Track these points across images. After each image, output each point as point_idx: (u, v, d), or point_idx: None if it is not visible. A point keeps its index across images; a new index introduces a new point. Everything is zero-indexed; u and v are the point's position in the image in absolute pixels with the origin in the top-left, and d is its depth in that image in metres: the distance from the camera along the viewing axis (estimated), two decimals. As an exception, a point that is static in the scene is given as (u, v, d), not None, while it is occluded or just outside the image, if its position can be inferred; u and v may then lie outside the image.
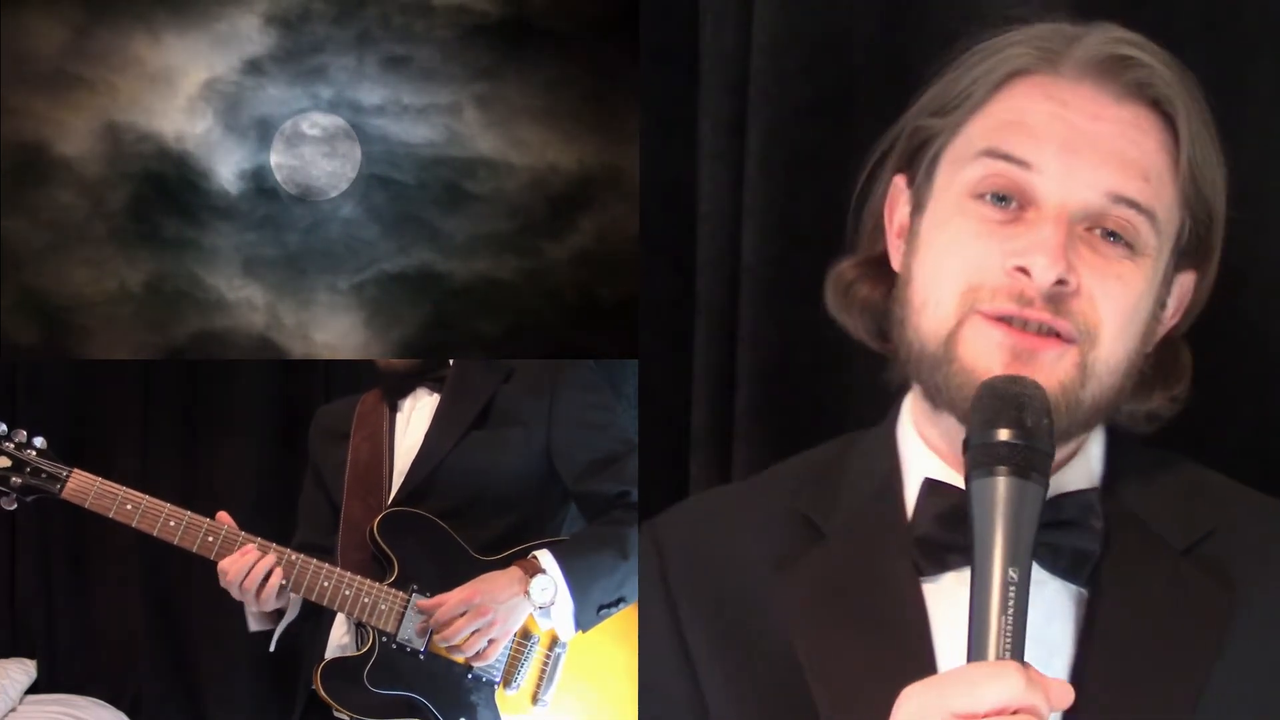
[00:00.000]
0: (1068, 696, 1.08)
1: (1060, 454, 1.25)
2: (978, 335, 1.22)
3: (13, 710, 2.96)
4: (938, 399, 1.27)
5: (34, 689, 3.09)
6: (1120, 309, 1.23)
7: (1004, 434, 1.11)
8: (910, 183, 1.35)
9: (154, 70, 2.11)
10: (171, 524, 1.99)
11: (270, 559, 1.99)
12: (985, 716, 1.03)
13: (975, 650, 1.07)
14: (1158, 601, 1.22)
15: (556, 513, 2.21)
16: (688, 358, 1.86)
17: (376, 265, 2.16)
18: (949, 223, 1.26)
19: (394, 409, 2.21)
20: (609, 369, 2.33)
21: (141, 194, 2.11)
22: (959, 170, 1.27)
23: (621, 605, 2.07)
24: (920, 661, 1.22)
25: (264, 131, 2.12)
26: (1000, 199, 1.24)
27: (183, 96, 2.11)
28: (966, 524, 1.12)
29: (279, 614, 2.09)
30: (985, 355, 1.22)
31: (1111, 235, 1.23)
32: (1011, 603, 1.07)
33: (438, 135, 2.13)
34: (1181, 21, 1.67)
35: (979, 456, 1.12)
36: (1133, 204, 1.22)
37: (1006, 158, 1.23)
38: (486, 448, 2.13)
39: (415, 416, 2.20)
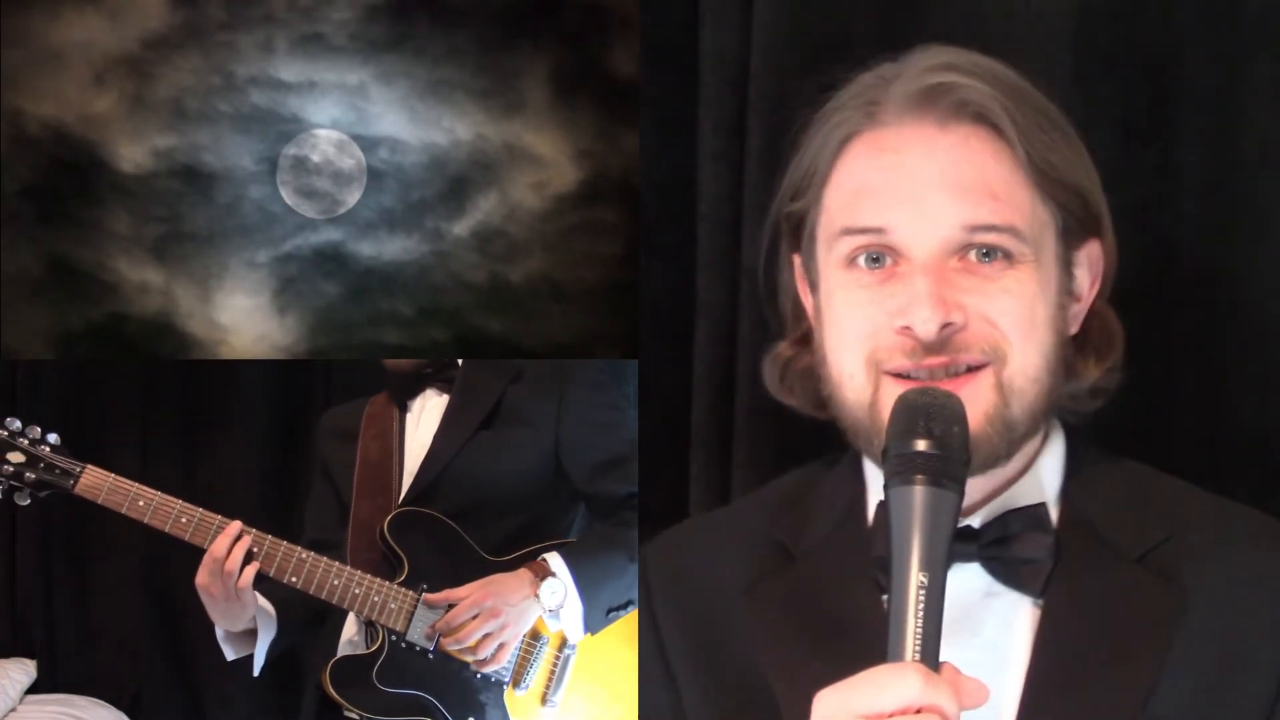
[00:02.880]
0: (982, 695, 1.10)
1: (1011, 469, 1.29)
2: (892, 398, 1.23)
3: (13, 710, 2.95)
4: (878, 464, 1.28)
5: (34, 689, 3.08)
6: (1019, 320, 1.24)
7: (919, 444, 1.14)
8: (804, 262, 1.38)
9: (55, 48, 2.10)
10: (183, 520, 1.98)
11: (246, 541, 1.97)
12: (890, 716, 1.05)
13: (891, 653, 1.09)
14: (1107, 608, 1.24)
15: (566, 513, 2.20)
16: (688, 358, 1.86)
17: (376, 268, 2.16)
18: (835, 296, 1.30)
19: (403, 409, 2.20)
20: (608, 369, 2.33)
21: (43, 175, 2.11)
22: (829, 248, 1.30)
23: (630, 608, 2.06)
24: None
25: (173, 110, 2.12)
26: (873, 259, 1.26)
27: (85, 74, 2.10)
28: (885, 532, 1.14)
29: (252, 637, 2.08)
30: None
31: (985, 253, 1.24)
32: (922, 606, 1.09)
33: (441, 137, 2.13)
34: (1181, 22, 1.67)
35: (895, 466, 1.14)
36: (990, 228, 1.24)
37: (862, 231, 1.26)
38: (494, 448, 2.12)
39: (425, 417, 2.19)
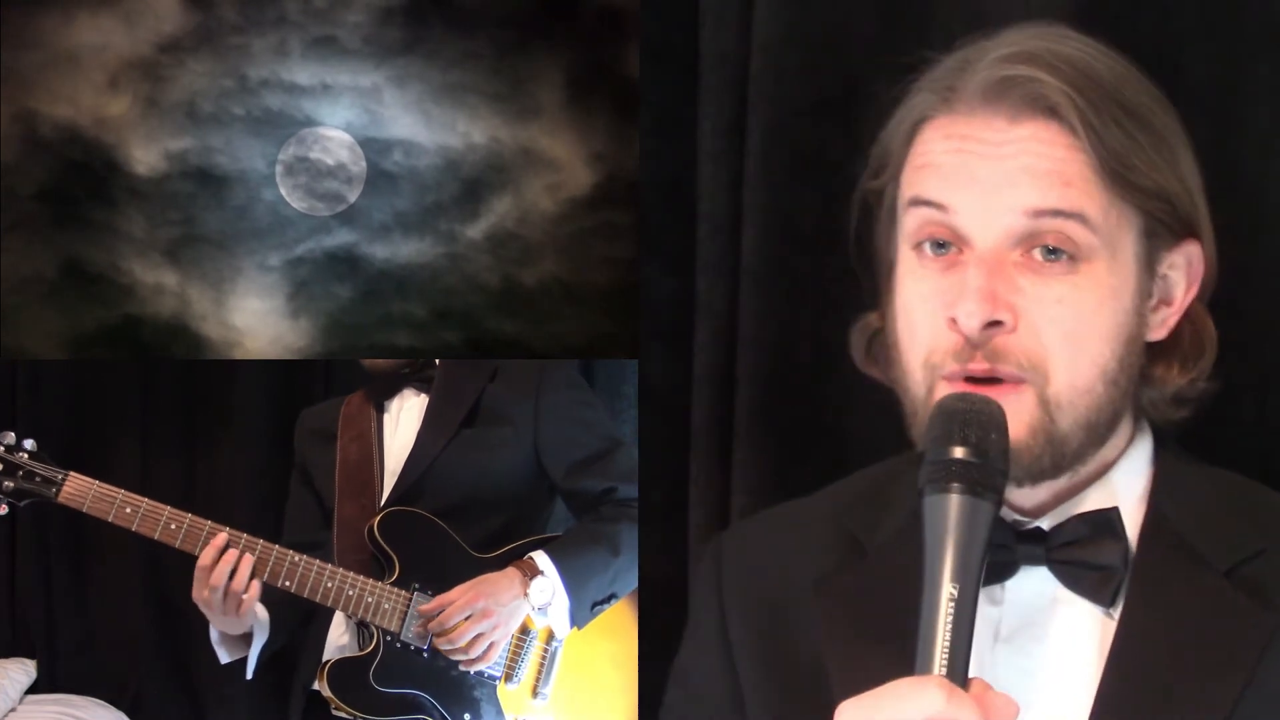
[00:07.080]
0: (1010, 711, 1.06)
1: (1085, 472, 1.25)
2: None
3: (13, 710, 2.96)
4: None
5: (34, 689, 3.09)
6: (1068, 333, 1.19)
7: (956, 451, 1.10)
8: (884, 238, 1.33)
9: (70, 51, 2.11)
10: (173, 527, 1.97)
11: (233, 551, 1.97)
12: None
13: (919, 666, 1.06)
14: (1191, 622, 1.19)
15: (544, 509, 2.22)
16: (688, 358, 1.85)
17: (389, 271, 2.17)
18: (905, 284, 1.25)
19: (381, 409, 2.22)
20: (609, 369, 2.34)
21: (57, 178, 2.12)
22: (902, 223, 1.26)
23: (613, 601, 2.09)
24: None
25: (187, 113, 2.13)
26: (939, 245, 1.22)
27: (99, 77, 2.12)
28: (919, 539, 1.11)
29: (247, 640, 2.08)
30: None
31: (1051, 252, 1.19)
32: (951, 618, 1.06)
33: (455, 140, 2.14)
34: (1181, 22, 1.66)
35: (931, 473, 1.11)
36: (1057, 212, 1.18)
37: (926, 203, 1.22)
38: (477, 446, 2.14)
39: (404, 416, 2.21)
